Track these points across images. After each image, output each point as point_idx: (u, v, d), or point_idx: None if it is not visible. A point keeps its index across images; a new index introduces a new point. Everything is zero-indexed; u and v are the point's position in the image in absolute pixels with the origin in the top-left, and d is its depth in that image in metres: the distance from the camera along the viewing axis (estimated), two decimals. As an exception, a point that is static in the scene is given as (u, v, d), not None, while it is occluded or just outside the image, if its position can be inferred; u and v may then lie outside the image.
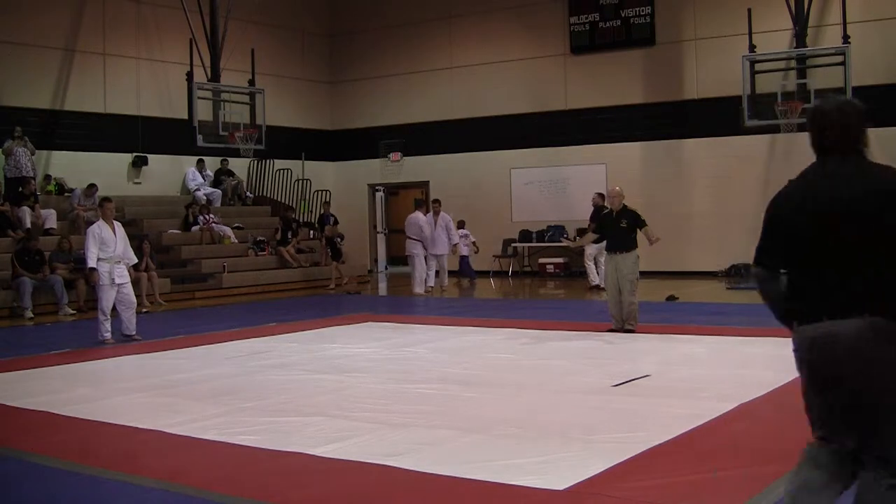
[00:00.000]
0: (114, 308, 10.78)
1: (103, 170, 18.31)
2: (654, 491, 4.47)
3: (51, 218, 16.14)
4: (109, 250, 10.66)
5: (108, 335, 10.65)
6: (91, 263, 10.60)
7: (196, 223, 18.38)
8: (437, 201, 17.79)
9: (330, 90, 23.82)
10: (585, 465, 4.90)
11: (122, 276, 10.84)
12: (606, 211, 10.60)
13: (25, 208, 15.76)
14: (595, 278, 16.63)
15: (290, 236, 19.24)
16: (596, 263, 16.56)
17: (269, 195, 21.52)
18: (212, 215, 18.75)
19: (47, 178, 17.48)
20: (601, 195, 17.74)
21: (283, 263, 18.82)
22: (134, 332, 10.82)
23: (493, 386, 7.38)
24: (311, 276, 19.05)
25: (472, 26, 21.78)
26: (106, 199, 11.26)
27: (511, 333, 10.70)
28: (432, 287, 17.18)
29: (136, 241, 14.91)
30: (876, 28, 17.31)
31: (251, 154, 19.23)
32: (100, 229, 10.72)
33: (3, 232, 15.27)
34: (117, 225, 11.01)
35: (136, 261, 12.07)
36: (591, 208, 16.79)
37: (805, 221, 3.32)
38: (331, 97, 23.83)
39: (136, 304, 11.18)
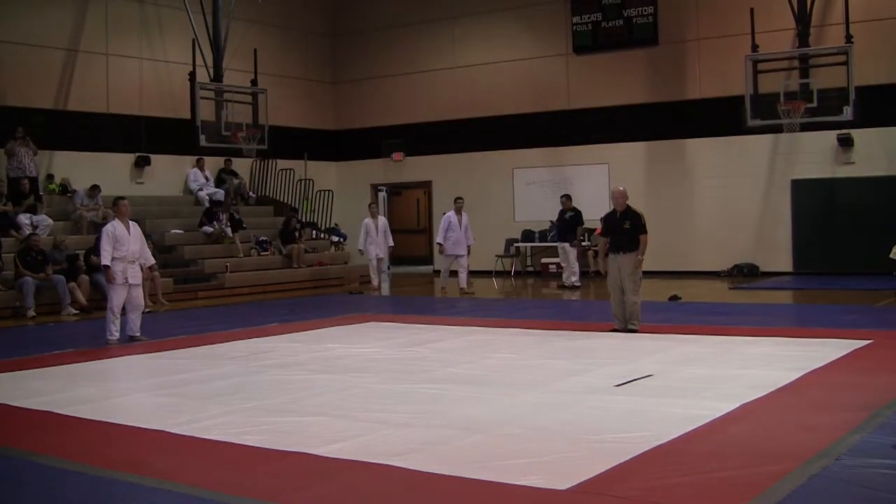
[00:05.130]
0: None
1: (106, 170, 18.32)
2: (656, 491, 4.47)
3: (44, 227, 15.87)
4: (124, 249, 10.68)
5: (115, 335, 10.66)
6: (105, 261, 10.63)
7: (217, 221, 18.43)
8: (460, 199, 17.50)
9: (332, 90, 23.83)
10: (588, 464, 4.90)
11: (136, 276, 10.87)
12: (610, 211, 10.57)
13: (22, 216, 15.72)
14: (568, 278, 17.31)
15: (298, 236, 19.26)
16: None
17: (271, 195, 21.54)
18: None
19: (49, 177, 17.48)
20: (568, 197, 17.89)
21: (286, 263, 18.84)
22: (138, 333, 10.84)
23: (494, 386, 7.38)
24: (315, 275, 19.09)
25: (475, 26, 21.78)
26: (120, 198, 11.19)
27: (513, 333, 10.71)
28: (444, 287, 16.98)
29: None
30: (878, 27, 17.30)
31: (254, 154, 19.24)
32: (114, 228, 10.74)
33: (6, 232, 15.29)
34: (133, 224, 11.00)
35: (153, 261, 12.07)
36: (592, 209, 16.91)
37: None
38: (333, 97, 23.84)
39: (143, 307, 11.20)
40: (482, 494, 4.56)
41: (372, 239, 17.91)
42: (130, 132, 19.01)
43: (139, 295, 10.99)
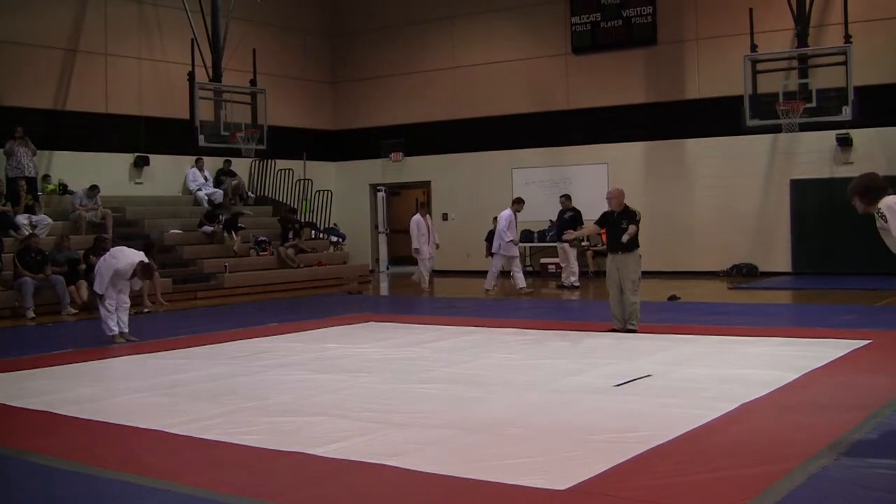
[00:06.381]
0: None
1: (105, 170, 18.32)
2: (655, 491, 4.47)
3: (43, 227, 15.88)
4: (121, 284, 10.73)
5: (116, 330, 10.65)
6: (99, 291, 10.69)
7: (216, 222, 18.43)
8: (520, 200, 17.14)
9: (331, 90, 23.83)
10: (587, 465, 4.90)
11: (123, 286, 10.89)
12: (608, 211, 10.58)
13: (21, 216, 15.71)
14: (567, 278, 17.22)
15: (290, 237, 19.25)
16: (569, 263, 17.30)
17: (270, 195, 21.53)
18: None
19: (46, 177, 17.46)
20: (567, 197, 17.87)
21: (285, 263, 18.85)
22: (126, 331, 10.83)
23: (494, 385, 7.38)
24: (314, 276, 19.08)
25: (474, 26, 21.78)
26: (151, 266, 11.09)
27: (512, 333, 10.70)
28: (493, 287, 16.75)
29: (140, 241, 14.95)
30: (878, 27, 17.30)
31: (252, 154, 19.25)
32: (124, 269, 10.62)
33: (5, 232, 15.27)
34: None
35: (139, 287, 12.18)
36: (591, 209, 16.85)
37: None
38: (332, 97, 23.84)
39: (129, 304, 11.13)
40: (481, 494, 4.56)
41: (425, 238, 17.71)
42: (129, 132, 19.00)
43: (125, 297, 10.98)
